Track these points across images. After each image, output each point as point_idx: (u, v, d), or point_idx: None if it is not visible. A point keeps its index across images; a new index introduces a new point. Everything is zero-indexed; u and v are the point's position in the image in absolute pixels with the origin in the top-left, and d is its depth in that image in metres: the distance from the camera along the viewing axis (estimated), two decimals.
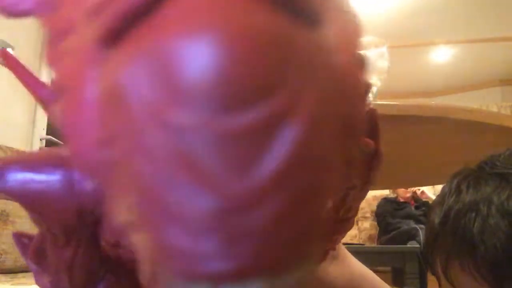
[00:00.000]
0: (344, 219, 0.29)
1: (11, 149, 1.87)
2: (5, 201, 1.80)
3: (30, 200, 0.19)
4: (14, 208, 1.82)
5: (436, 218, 0.47)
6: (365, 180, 0.27)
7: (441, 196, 0.48)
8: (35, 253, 0.22)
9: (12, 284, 1.44)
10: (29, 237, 0.24)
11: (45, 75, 2.45)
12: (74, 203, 0.19)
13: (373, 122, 0.25)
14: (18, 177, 0.19)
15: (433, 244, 0.47)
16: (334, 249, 0.32)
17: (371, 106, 0.25)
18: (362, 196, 0.28)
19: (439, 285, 0.49)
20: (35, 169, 0.19)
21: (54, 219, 0.20)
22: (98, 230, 0.22)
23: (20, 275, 1.69)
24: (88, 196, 0.19)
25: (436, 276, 0.49)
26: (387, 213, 3.62)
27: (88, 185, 0.19)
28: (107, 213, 0.19)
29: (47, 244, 0.21)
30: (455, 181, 0.48)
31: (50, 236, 0.20)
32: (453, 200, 0.46)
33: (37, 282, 0.23)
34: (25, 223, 1.85)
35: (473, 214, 0.43)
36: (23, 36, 2.32)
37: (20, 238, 0.24)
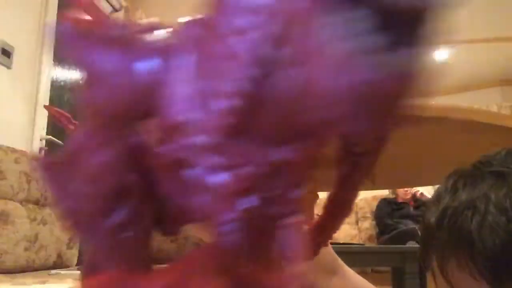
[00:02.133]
0: (345, 201, 0.29)
1: (11, 149, 1.87)
2: (5, 201, 1.80)
3: (98, 75, 0.19)
4: (14, 208, 1.82)
5: (432, 218, 0.46)
6: (375, 149, 0.27)
7: (437, 196, 0.49)
8: (69, 158, 0.22)
9: (12, 284, 1.44)
10: (52, 160, 0.24)
11: (45, 76, 2.46)
12: (131, 80, 0.19)
13: None
14: (92, 54, 0.19)
15: (429, 242, 0.47)
16: (326, 244, 0.32)
17: None
18: (368, 171, 0.28)
19: (435, 283, 0.49)
20: (105, 48, 0.19)
21: (106, 98, 0.19)
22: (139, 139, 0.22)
23: (20, 275, 1.69)
24: (150, 77, 0.19)
25: (432, 275, 0.49)
26: (385, 215, 3.63)
27: (153, 65, 0.19)
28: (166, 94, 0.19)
29: (84, 147, 0.21)
30: (451, 180, 0.48)
31: (94, 132, 0.20)
32: (449, 198, 0.46)
33: (59, 204, 0.22)
34: (25, 223, 1.85)
35: (470, 212, 0.43)
36: (23, 36, 2.32)
37: (41, 159, 0.24)
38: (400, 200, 3.67)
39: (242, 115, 0.19)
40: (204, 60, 0.19)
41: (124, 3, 3.20)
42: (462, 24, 3.85)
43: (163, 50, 0.20)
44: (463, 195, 0.45)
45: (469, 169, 0.49)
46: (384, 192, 3.83)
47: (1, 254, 1.71)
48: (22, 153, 1.92)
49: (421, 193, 3.67)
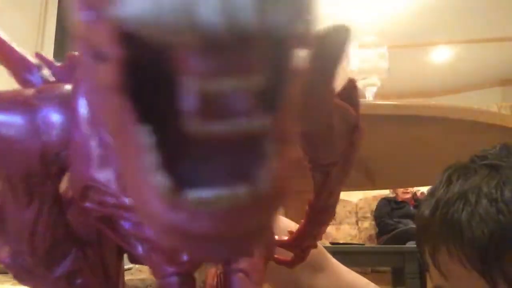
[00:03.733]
0: (325, 207, 0.29)
1: None
2: None
3: None
4: None
5: (426, 210, 0.47)
6: (347, 156, 0.27)
7: (432, 189, 0.49)
8: None
9: (12, 284, 1.44)
10: None
11: None
12: (38, 144, 0.18)
13: (352, 91, 0.26)
14: None
15: (423, 234, 0.48)
16: (315, 246, 0.32)
17: (351, 77, 0.26)
18: (343, 176, 0.28)
19: (429, 275, 0.50)
20: None
21: (16, 164, 0.18)
22: (61, 192, 0.21)
23: None
24: (52, 137, 0.19)
25: (425, 266, 0.50)
26: (385, 215, 3.62)
27: (52, 126, 0.18)
28: (74, 157, 0.18)
29: (8, 208, 0.20)
30: (446, 174, 0.48)
31: (11, 194, 0.19)
32: (443, 191, 0.46)
33: None
34: None
35: (462, 203, 0.43)
36: (23, 36, 2.32)
37: None
38: (399, 199, 3.67)
39: None
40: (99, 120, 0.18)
41: None
42: (462, 24, 3.86)
43: (66, 100, 0.19)
44: (456, 187, 0.45)
45: (464, 163, 0.49)
46: (384, 192, 3.83)
47: None
48: None
49: (422, 193, 3.66)
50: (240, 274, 0.21)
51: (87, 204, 0.20)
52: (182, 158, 0.12)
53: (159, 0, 0.10)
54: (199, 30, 0.10)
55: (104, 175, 0.18)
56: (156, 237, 0.12)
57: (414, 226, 3.41)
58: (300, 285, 0.47)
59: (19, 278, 0.22)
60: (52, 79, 0.27)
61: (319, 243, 0.48)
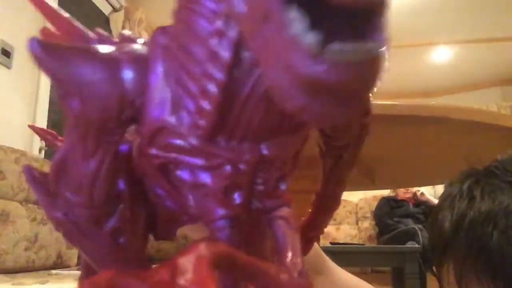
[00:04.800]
0: (332, 194, 0.30)
1: (11, 149, 1.87)
2: (5, 201, 1.80)
3: (78, 84, 0.19)
4: (14, 208, 1.82)
5: (447, 222, 0.45)
6: (357, 139, 0.28)
7: (449, 198, 0.47)
8: (57, 167, 0.22)
9: (12, 284, 1.44)
10: (41, 172, 0.24)
11: (45, 76, 2.45)
12: (117, 89, 0.19)
13: None
14: (72, 64, 0.19)
15: (443, 250, 0.46)
16: (318, 238, 0.32)
17: None
18: (352, 163, 0.29)
19: (439, 282, 0.49)
20: (87, 59, 0.20)
21: (97, 107, 0.19)
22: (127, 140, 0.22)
23: (20, 275, 1.69)
24: (130, 84, 0.20)
25: (439, 280, 0.49)
26: (385, 214, 3.62)
27: (131, 75, 0.20)
28: (150, 103, 0.19)
29: (73, 157, 0.21)
30: (466, 184, 0.46)
31: (80, 141, 0.20)
32: (466, 206, 0.44)
33: (49, 214, 0.23)
34: (25, 223, 1.85)
35: (491, 226, 0.41)
36: (23, 36, 2.32)
37: (31, 170, 0.24)
38: (400, 198, 3.67)
39: (216, 116, 0.19)
40: (178, 65, 0.19)
41: (124, 3, 3.20)
42: (462, 24, 3.86)
43: (141, 58, 0.20)
44: (482, 206, 0.43)
45: (483, 173, 0.47)
46: (385, 192, 3.83)
47: (1, 254, 1.71)
48: (22, 153, 1.92)
49: (422, 193, 3.66)
50: (282, 221, 0.22)
51: (152, 150, 0.21)
52: (320, 23, 0.13)
53: None
54: None
55: (177, 117, 0.20)
56: (284, 99, 0.14)
57: (414, 226, 3.43)
58: None
59: (69, 236, 0.23)
60: None
61: (317, 246, 0.48)
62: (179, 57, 0.19)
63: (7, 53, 2.18)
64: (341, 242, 3.68)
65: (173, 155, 0.21)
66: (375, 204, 3.91)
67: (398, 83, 4.31)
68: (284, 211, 0.22)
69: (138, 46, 0.21)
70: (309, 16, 0.13)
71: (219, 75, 0.18)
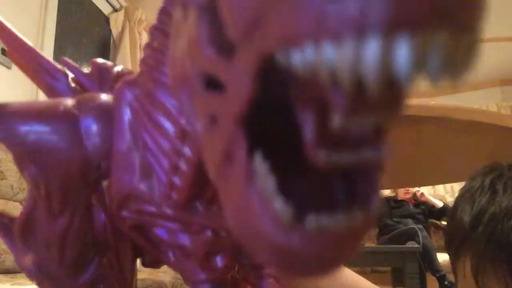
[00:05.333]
0: None
1: None
2: (4, 200, 1.80)
3: (34, 151, 0.18)
4: (14, 208, 1.82)
5: (466, 216, 0.45)
6: None
7: (470, 192, 0.46)
8: (22, 227, 0.21)
9: (12, 284, 1.44)
10: (10, 218, 0.23)
11: None
12: (80, 155, 0.18)
13: None
14: (23, 127, 0.18)
15: (461, 243, 0.46)
16: None
17: None
18: None
19: (456, 280, 0.48)
20: (40, 120, 0.18)
21: (57, 174, 0.18)
22: (96, 198, 0.21)
23: (20, 275, 1.69)
24: (94, 147, 0.19)
25: (455, 274, 0.48)
26: (384, 214, 3.62)
27: (93, 136, 0.19)
28: (117, 168, 0.18)
29: (38, 215, 0.20)
30: (488, 178, 0.46)
31: (45, 203, 0.19)
32: (487, 200, 0.44)
33: (19, 264, 0.22)
34: None
35: (511, 222, 0.41)
36: (23, 36, 2.31)
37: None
38: (399, 198, 3.66)
39: (188, 191, 0.18)
40: (147, 133, 0.18)
41: (124, 3, 3.19)
42: None
43: (105, 115, 0.19)
44: (503, 200, 0.43)
45: (508, 168, 0.46)
46: (385, 192, 3.83)
47: (1, 254, 1.71)
48: None
49: (421, 193, 3.66)
50: (271, 280, 0.21)
51: (124, 213, 0.20)
52: (295, 182, 0.12)
53: (335, 51, 0.10)
54: (356, 82, 0.10)
55: (147, 185, 0.19)
56: (259, 257, 0.13)
57: (414, 226, 3.43)
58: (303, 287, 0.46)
59: (42, 286, 0.22)
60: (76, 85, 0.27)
61: None
62: (147, 125, 0.18)
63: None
64: None
65: (147, 218, 0.20)
66: None
67: None
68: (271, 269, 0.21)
69: (101, 98, 0.20)
70: (280, 171, 0.12)
71: (189, 152, 0.17)
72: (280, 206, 0.11)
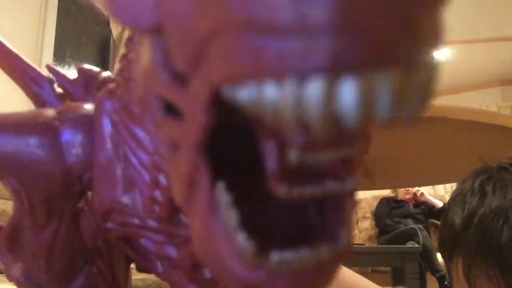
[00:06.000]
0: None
1: None
2: (4, 201, 1.79)
3: (13, 164, 0.18)
4: None
5: (457, 219, 0.45)
6: None
7: (461, 195, 0.47)
8: (8, 237, 0.21)
9: (12, 284, 1.44)
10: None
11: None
12: (61, 167, 0.18)
13: None
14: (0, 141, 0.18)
15: (453, 245, 0.46)
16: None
17: None
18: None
19: (451, 283, 0.48)
20: (18, 132, 0.18)
21: (38, 187, 0.18)
22: (82, 207, 0.21)
23: None
24: (75, 159, 0.19)
25: (450, 276, 0.48)
26: (384, 215, 3.61)
27: (75, 148, 0.18)
28: (100, 179, 0.18)
29: (24, 226, 0.20)
30: (478, 180, 0.46)
31: (29, 215, 0.19)
32: (477, 201, 0.44)
33: (8, 274, 0.21)
34: None
35: (501, 221, 0.41)
36: (23, 36, 2.32)
37: None
38: (399, 198, 3.66)
39: (169, 205, 0.18)
40: (127, 146, 0.18)
41: None
42: (462, 24, 3.85)
43: (85, 125, 0.19)
44: (493, 201, 0.43)
45: (496, 170, 0.47)
46: (384, 192, 3.82)
47: None
48: None
49: (422, 193, 3.66)
50: None
51: (109, 224, 0.20)
52: (259, 216, 0.12)
53: (283, 94, 0.10)
54: (304, 125, 0.10)
55: (130, 198, 0.18)
56: (226, 286, 0.12)
57: (414, 226, 3.42)
58: None
59: None
60: (62, 91, 0.27)
61: None
62: (127, 138, 0.18)
63: None
64: None
65: (132, 230, 0.19)
66: (375, 204, 3.90)
67: None
68: None
69: (82, 108, 0.19)
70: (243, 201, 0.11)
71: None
72: (242, 241, 0.11)
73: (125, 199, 0.18)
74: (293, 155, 0.11)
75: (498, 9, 3.49)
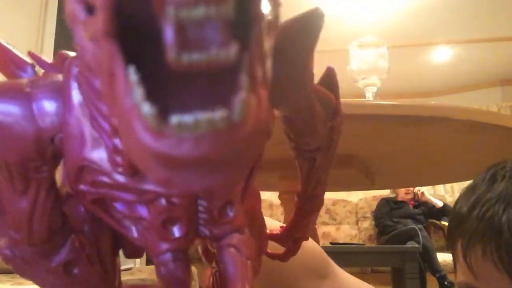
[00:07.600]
0: (313, 196, 0.29)
1: None
2: None
3: None
4: None
5: (464, 207, 0.46)
6: (329, 141, 0.27)
7: (473, 186, 0.48)
8: None
9: (12, 284, 1.44)
10: None
11: None
12: (33, 128, 0.19)
13: (332, 78, 0.27)
14: None
15: (456, 228, 0.47)
16: (306, 238, 0.32)
17: (330, 66, 0.27)
18: (328, 163, 0.28)
19: (454, 269, 0.49)
20: None
21: (13, 149, 0.19)
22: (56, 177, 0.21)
23: None
24: (47, 122, 0.19)
25: (454, 262, 0.49)
26: (384, 215, 3.62)
27: (46, 111, 0.19)
28: (70, 138, 0.19)
29: (4, 195, 0.20)
30: (490, 171, 0.47)
31: (8, 182, 0.19)
32: (485, 189, 0.45)
33: None
34: None
35: (504, 205, 0.42)
36: (23, 36, 2.32)
37: None
38: (399, 199, 3.67)
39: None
40: (89, 100, 0.19)
41: None
42: (462, 24, 3.85)
43: (56, 91, 0.19)
44: (499, 187, 0.44)
45: (511, 162, 0.48)
46: (384, 192, 3.83)
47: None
48: None
49: (422, 193, 3.66)
50: (231, 249, 0.22)
51: (81, 186, 0.20)
52: (165, 90, 0.13)
53: None
54: None
55: (97, 154, 0.19)
56: (146, 170, 0.13)
57: (414, 226, 3.43)
58: None
59: (18, 270, 0.22)
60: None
61: (321, 249, 0.48)
62: (89, 93, 0.19)
63: None
64: (341, 242, 3.68)
65: (103, 190, 0.20)
66: (375, 204, 3.91)
67: (398, 83, 4.31)
68: (235, 238, 0.22)
69: (54, 76, 0.20)
70: (152, 80, 0.12)
71: None
72: (147, 110, 0.12)
73: (93, 156, 0.19)
74: (170, 13, 0.12)
75: (497, 9, 3.49)
